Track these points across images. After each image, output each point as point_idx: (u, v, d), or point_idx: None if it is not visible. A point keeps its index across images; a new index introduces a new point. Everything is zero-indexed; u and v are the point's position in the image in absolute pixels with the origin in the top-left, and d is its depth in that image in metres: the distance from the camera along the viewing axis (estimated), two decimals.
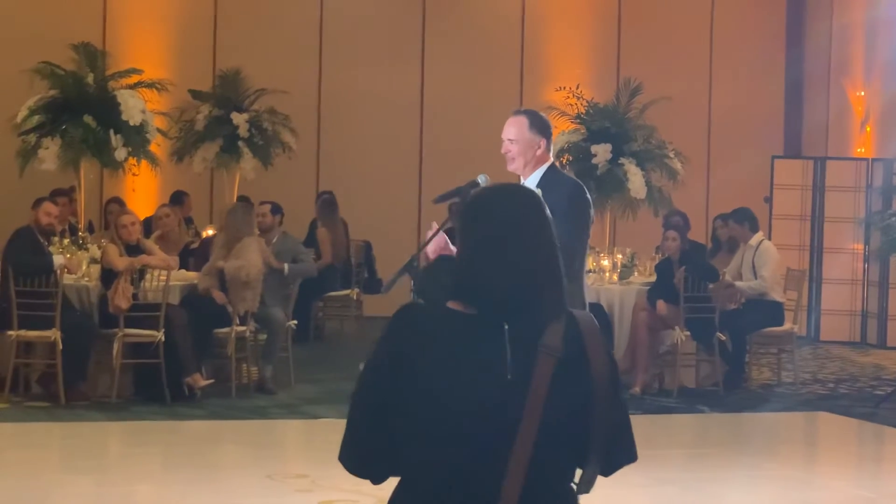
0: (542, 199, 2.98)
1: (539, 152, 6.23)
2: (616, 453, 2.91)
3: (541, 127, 6.27)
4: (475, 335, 2.84)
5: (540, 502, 2.80)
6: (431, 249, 5.88)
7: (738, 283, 12.17)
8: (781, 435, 10.96)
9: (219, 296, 10.93)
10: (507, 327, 2.83)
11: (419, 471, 2.85)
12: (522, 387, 2.79)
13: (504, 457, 2.76)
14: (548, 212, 2.94)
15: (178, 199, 14.80)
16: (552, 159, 6.32)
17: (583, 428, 2.84)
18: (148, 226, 13.51)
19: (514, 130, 6.26)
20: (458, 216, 3.01)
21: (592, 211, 6.27)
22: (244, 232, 11.26)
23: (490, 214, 2.92)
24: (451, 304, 2.89)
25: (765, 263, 12.16)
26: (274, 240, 12.14)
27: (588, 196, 6.26)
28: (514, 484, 2.75)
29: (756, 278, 12.17)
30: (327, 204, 14.90)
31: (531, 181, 6.20)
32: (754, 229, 12.47)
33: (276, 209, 12.55)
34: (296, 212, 14.11)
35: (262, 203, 12.80)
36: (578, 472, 2.93)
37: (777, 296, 12.30)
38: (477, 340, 2.83)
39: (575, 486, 2.91)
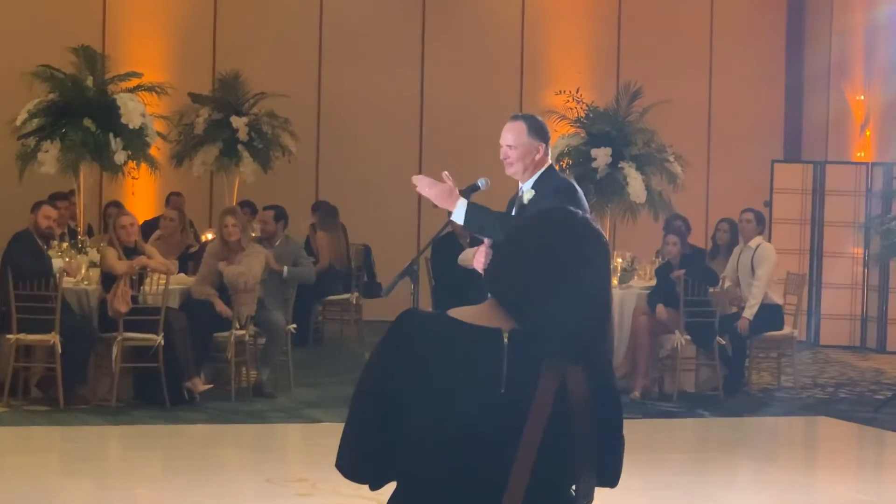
0: (606, 240, 2.89)
1: (538, 157, 6.27)
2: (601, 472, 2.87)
3: (539, 131, 6.30)
4: (475, 346, 2.81)
5: None
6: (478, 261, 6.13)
7: (745, 314, 11.93)
8: (781, 439, 10.96)
9: (223, 308, 10.90)
10: (506, 341, 2.79)
11: (416, 477, 2.83)
12: (519, 402, 2.75)
13: (502, 468, 2.73)
14: (604, 244, 2.84)
15: (167, 199, 14.80)
16: (549, 162, 6.36)
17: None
18: (153, 228, 13.50)
19: (513, 136, 6.28)
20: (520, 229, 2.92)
21: (581, 195, 6.28)
22: (245, 241, 11.23)
23: (553, 235, 2.81)
24: (452, 313, 2.86)
25: (761, 264, 12.05)
26: (276, 243, 12.12)
27: (579, 192, 6.29)
28: (513, 499, 2.73)
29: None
30: (328, 210, 14.88)
31: (528, 185, 6.25)
32: (761, 231, 12.45)
33: (280, 215, 12.41)
34: (295, 215, 14.09)
35: (266, 209, 12.61)
36: None
37: (777, 299, 12.28)
38: (476, 351, 2.80)
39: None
